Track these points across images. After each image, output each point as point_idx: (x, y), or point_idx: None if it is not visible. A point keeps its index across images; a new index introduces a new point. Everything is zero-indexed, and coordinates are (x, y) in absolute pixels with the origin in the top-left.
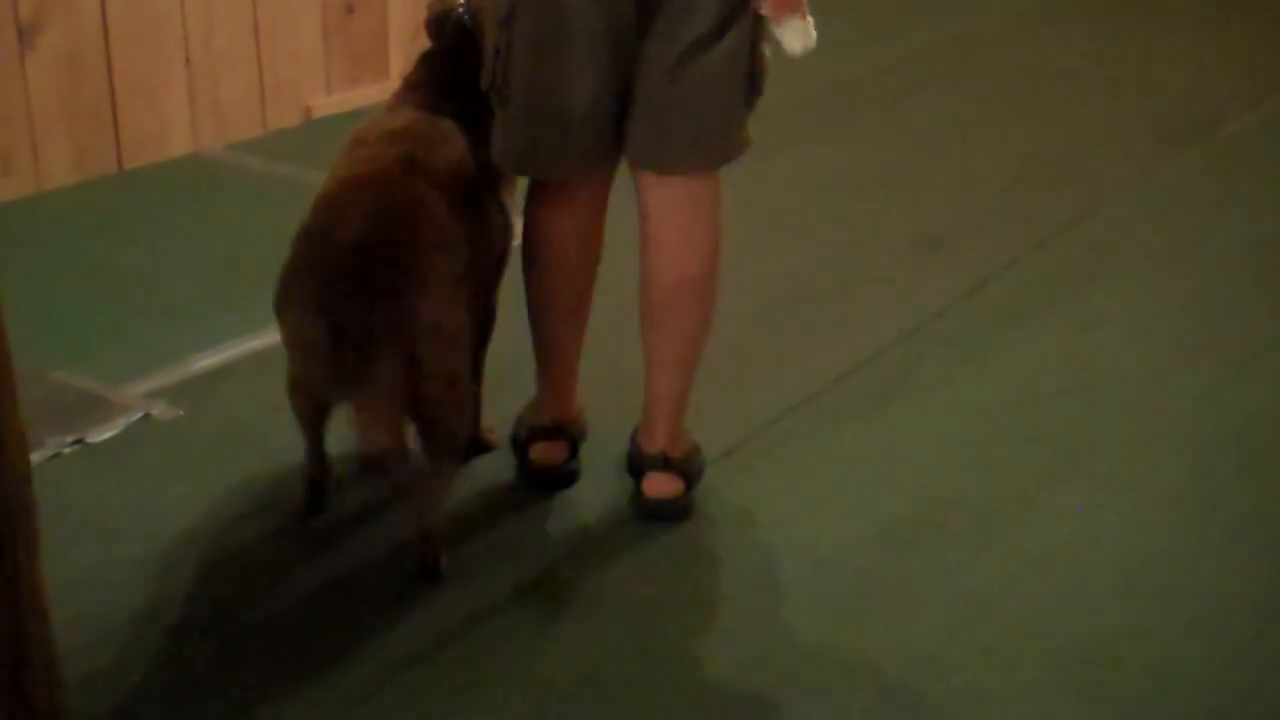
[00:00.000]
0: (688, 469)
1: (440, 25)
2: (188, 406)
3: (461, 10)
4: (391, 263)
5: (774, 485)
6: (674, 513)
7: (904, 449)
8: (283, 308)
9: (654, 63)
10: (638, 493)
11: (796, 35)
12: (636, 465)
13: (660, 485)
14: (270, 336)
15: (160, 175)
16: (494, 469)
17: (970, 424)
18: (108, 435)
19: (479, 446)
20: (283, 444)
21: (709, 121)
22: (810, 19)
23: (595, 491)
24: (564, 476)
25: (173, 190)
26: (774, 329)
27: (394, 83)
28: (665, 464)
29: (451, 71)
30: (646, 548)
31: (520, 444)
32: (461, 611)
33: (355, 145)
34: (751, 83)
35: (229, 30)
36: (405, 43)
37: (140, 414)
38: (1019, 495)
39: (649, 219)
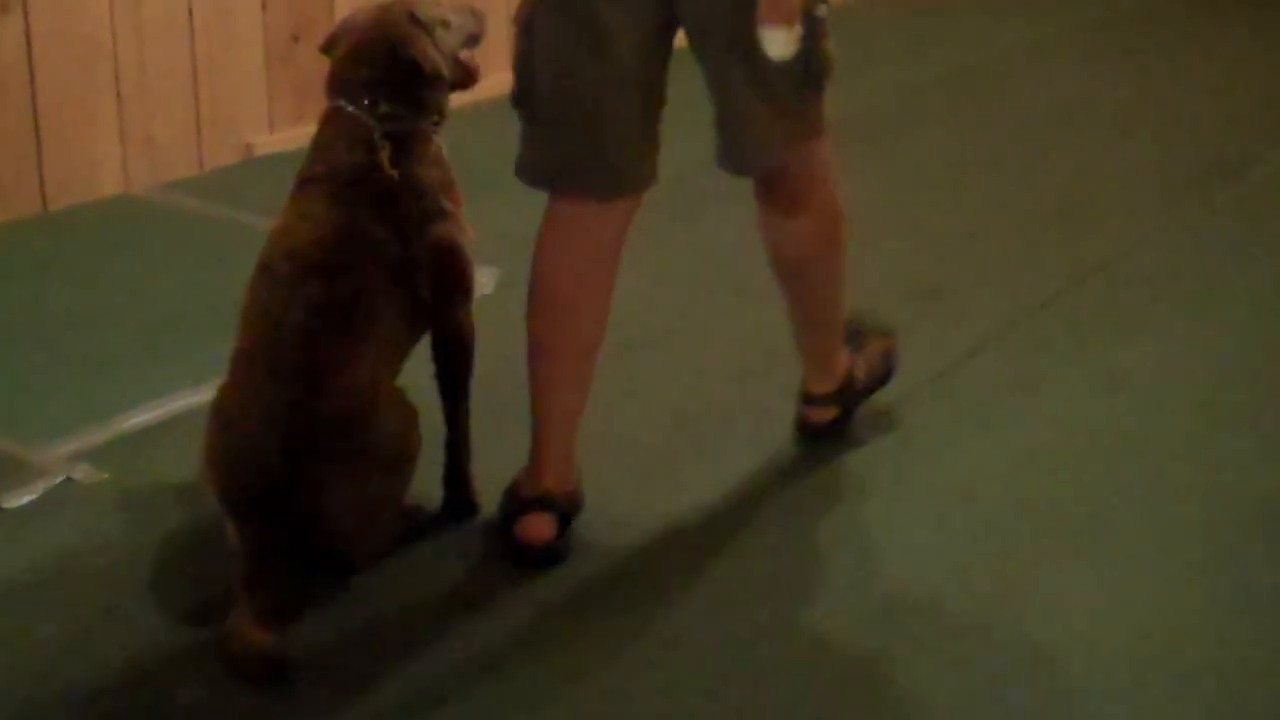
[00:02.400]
0: (841, 398)
1: (366, 47)
2: (114, 469)
3: (409, 21)
4: (296, 468)
5: (758, 565)
6: (828, 432)
7: (903, 522)
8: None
9: (708, 70)
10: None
11: (778, 43)
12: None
13: (814, 414)
14: (206, 393)
15: (89, 217)
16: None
17: (974, 495)
18: (25, 500)
19: (464, 507)
20: (217, 510)
21: (768, 126)
22: (797, 28)
23: (565, 564)
24: (551, 555)
25: (102, 233)
26: (760, 386)
27: None
28: (815, 400)
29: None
30: (614, 628)
31: (507, 517)
32: (396, 698)
33: (261, 275)
34: (808, 76)
35: (164, 61)
36: None
37: (62, 477)
38: (1027, 574)
39: (758, 203)
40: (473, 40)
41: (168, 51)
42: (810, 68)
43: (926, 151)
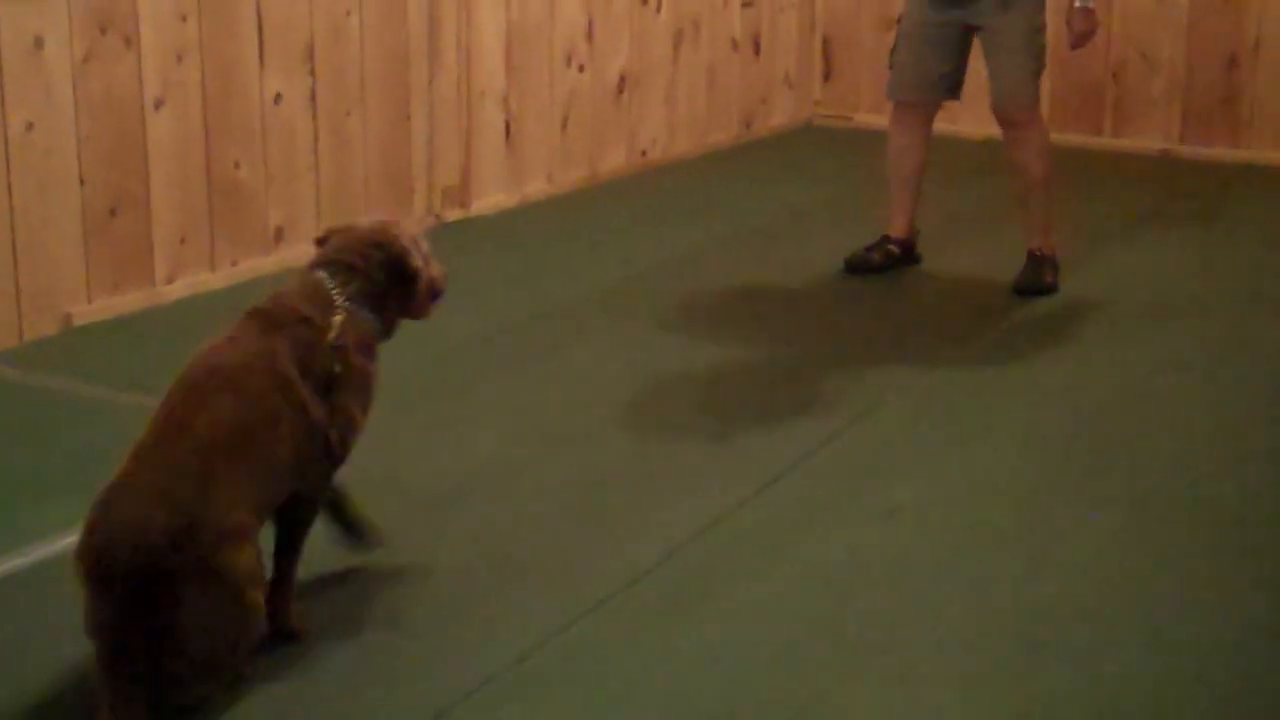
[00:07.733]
0: (1042, 261)
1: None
2: None
3: (404, 241)
4: (154, 596)
5: (569, 695)
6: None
7: (706, 651)
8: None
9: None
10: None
11: None
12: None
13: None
14: (32, 555)
15: None
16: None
17: (771, 621)
18: None
19: (286, 636)
20: (53, 673)
21: (1006, 82)
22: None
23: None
24: None
25: None
26: (564, 530)
27: (160, 289)
28: (1030, 256)
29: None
30: None
31: None
32: None
33: (178, 384)
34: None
35: None
36: (172, 245)
37: None
38: (823, 693)
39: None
40: (436, 293)
41: None
42: (1032, 45)
43: (716, 307)
